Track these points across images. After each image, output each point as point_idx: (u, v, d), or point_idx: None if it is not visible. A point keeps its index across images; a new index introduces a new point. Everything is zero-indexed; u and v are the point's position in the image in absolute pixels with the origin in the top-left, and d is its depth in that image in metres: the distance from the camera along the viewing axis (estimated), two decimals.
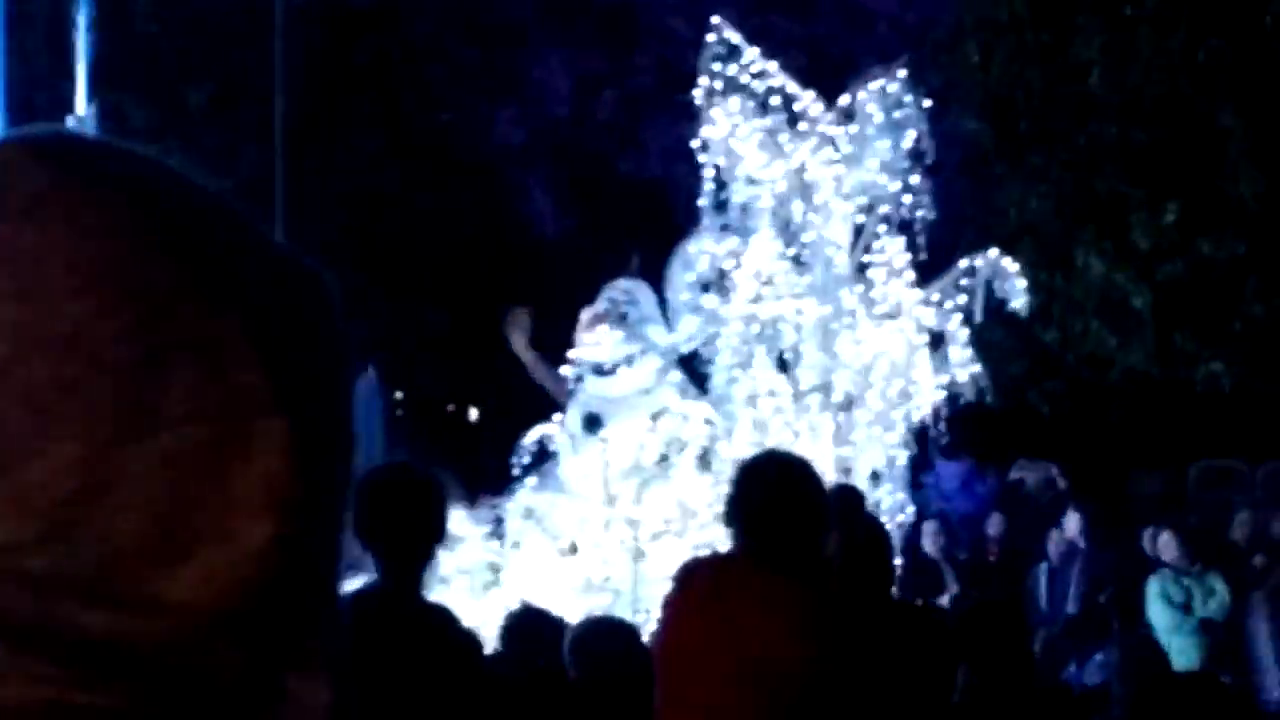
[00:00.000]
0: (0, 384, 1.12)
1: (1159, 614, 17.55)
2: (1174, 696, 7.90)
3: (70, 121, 20.23)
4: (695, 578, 7.75)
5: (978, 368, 17.68)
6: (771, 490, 6.94)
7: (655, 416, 17.07)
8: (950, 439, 21.48)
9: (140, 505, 1.12)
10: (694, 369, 17.88)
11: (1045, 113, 28.14)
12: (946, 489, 23.19)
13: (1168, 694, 8.11)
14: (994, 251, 18.12)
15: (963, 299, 17.72)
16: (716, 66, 17.06)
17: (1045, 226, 27.51)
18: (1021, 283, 17.85)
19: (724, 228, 17.49)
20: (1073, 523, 19.79)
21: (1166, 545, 18.07)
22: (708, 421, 17.14)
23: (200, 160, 30.44)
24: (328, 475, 1.20)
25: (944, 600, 17.84)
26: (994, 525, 21.27)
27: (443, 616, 7.24)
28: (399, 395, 29.84)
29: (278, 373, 1.15)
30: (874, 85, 17.44)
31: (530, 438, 17.39)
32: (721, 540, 13.58)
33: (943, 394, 17.61)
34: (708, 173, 17.50)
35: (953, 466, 23.33)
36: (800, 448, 15.33)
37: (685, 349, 17.70)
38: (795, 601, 6.69)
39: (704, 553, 14.31)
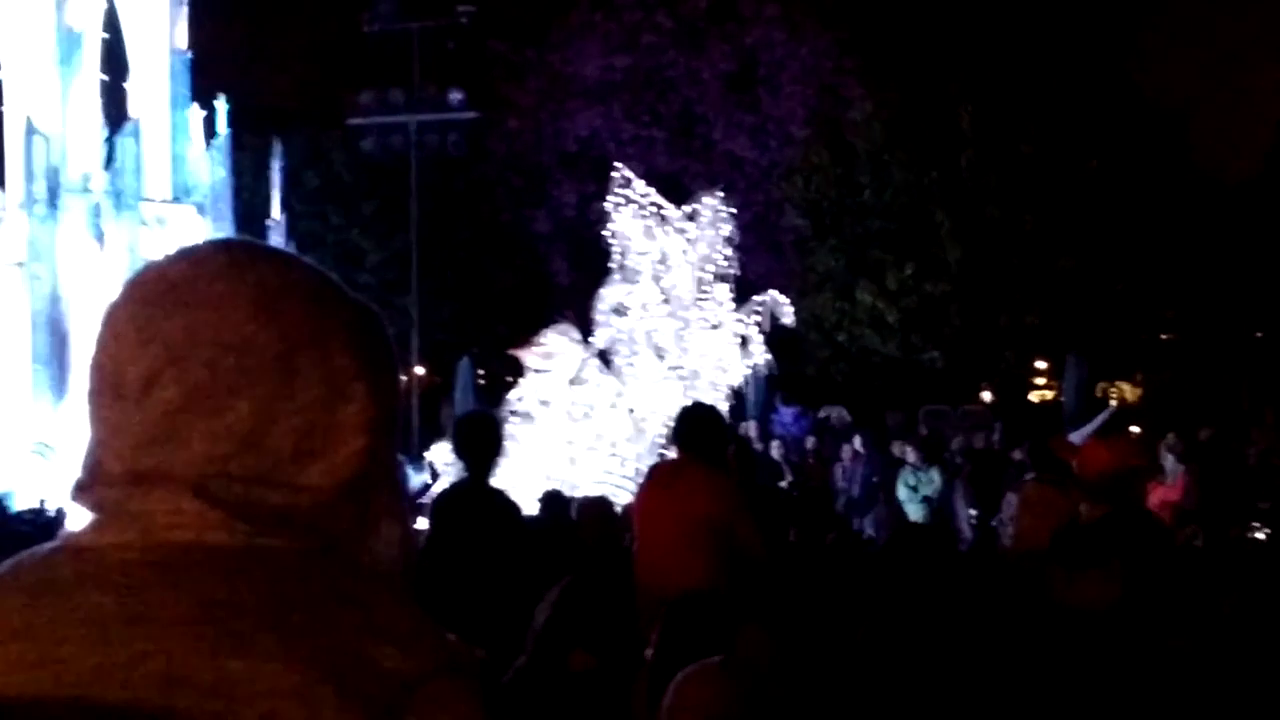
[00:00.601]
0: (210, 372, 1.49)
1: (903, 492, 20.92)
2: (910, 538, 11.56)
3: (269, 224, 23.18)
4: (657, 470, 9.18)
5: (769, 356, 21.64)
6: (695, 422, 8.17)
7: (573, 384, 20.18)
8: (784, 394, 27.95)
9: (291, 431, 1.52)
10: (607, 360, 20.85)
11: (839, 213, 34.99)
12: (785, 421, 27.79)
13: (907, 537, 11.81)
14: (773, 291, 21.98)
15: (757, 318, 21.52)
16: (619, 190, 20.95)
17: (840, 277, 34.57)
18: (789, 308, 21.75)
19: (623, 280, 21.09)
20: (857, 441, 22.93)
21: (907, 453, 21.70)
22: (618, 394, 20.34)
23: (368, 244, 36.63)
24: (388, 413, 1.59)
25: (783, 484, 20.04)
26: (811, 443, 24.78)
27: (503, 496, 8.13)
28: (480, 373, 32.00)
29: (358, 355, 1.56)
30: (707, 199, 21.57)
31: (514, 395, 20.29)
32: (617, 455, 19.68)
33: (748, 370, 21.58)
34: (616, 248, 21.22)
35: (790, 410, 28.53)
36: (664, 403, 19.68)
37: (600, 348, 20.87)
38: (710, 480, 7.81)
39: (615, 460, 19.68)
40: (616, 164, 21.90)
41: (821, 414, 28.33)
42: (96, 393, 1.56)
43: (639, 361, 20.82)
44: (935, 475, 21.22)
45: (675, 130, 37.55)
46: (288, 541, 1.52)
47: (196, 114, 20.96)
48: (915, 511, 20.43)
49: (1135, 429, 22.44)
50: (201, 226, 20.40)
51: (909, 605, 5.19)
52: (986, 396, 34.64)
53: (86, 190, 19.20)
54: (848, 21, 36.10)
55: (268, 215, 22.21)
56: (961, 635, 5.01)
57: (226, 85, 21.75)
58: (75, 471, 1.58)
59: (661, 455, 19.09)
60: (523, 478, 16.71)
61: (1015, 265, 32.49)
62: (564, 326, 20.80)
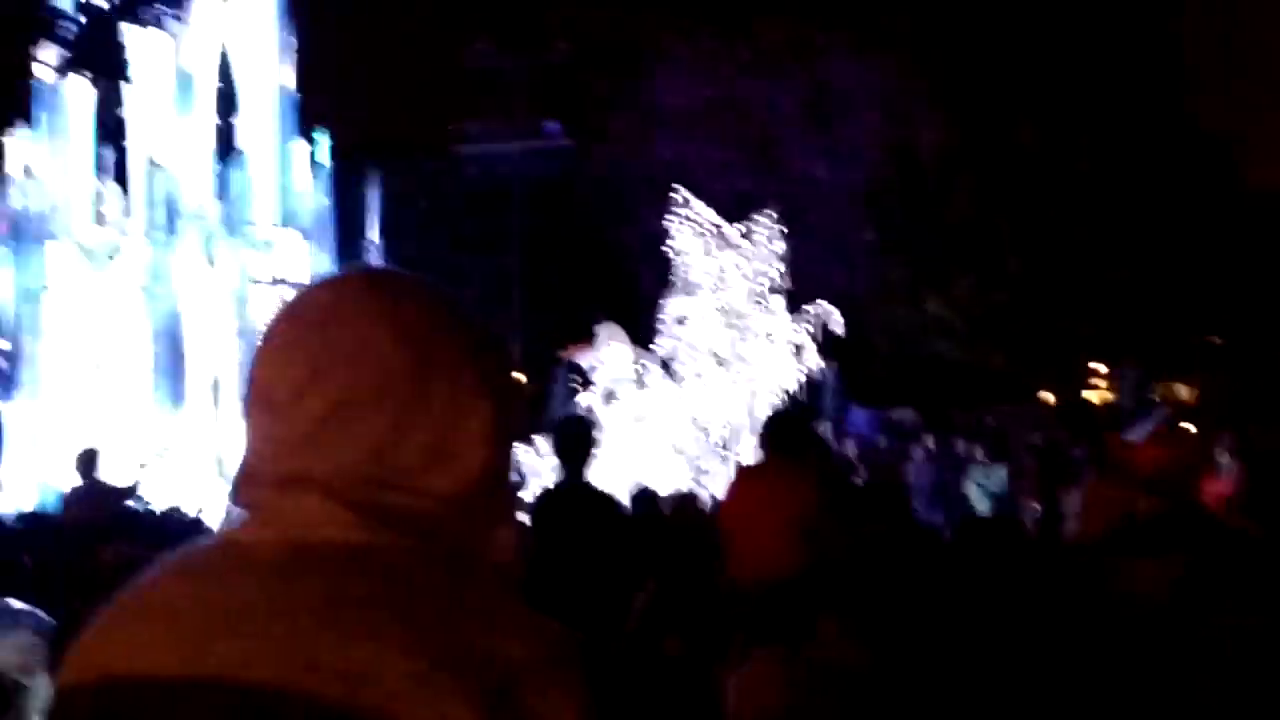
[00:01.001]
0: (351, 386, 1.54)
1: (971, 489, 20.96)
2: (979, 530, 9.25)
3: (368, 246, 22.93)
4: (747, 470, 9.23)
5: (822, 363, 21.62)
6: (784, 425, 8.33)
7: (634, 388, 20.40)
8: (857, 397, 27.97)
9: (422, 441, 1.55)
10: (668, 368, 20.95)
11: (908, 228, 35.12)
12: (858, 423, 27.07)
13: (976, 529, 9.48)
14: (823, 301, 21.65)
15: (809, 327, 21.37)
16: (679, 209, 21.33)
17: (910, 288, 34.77)
18: (839, 317, 21.37)
19: (684, 293, 21.37)
20: (928, 440, 22.93)
21: (975, 451, 21.79)
22: (678, 400, 20.42)
23: (473, 263, 36.03)
24: (508, 427, 1.62)
25: (857, 480, 19.51)
26: (882, 442, 25.03)
27: (603, 493, 8.21)
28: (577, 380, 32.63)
29: (482, 375, 1.59)
30: (761, 217, 21.60)
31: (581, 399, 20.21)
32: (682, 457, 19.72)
33: (802, 376, 21.33)
34: (677, 263, 21.50)
35: (862, 412, 28.01)
36: (724, 408, 20.29)
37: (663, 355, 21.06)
38: (797, 480, 7.80)
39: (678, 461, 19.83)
40: (675, 185, 22.16)
41: (893, 416, 28.45)
42: (251, 403, 1.61)
43: (699, 369, 20.87)
44: (1001, 472, 21.20)
45: (754, 154, 37.47)
46: (414, 542, 1.55)
47: (301, 146, 21.15)
48: (983, 506, 20.45)
49: (1190, 427, 22.17)
50: (305, 250, 20.66)
51: (978, 594, 5.14)
52: (1048, 397, 34.23)
53: (200, 218, 19.52)
54: (915, 49, 35.83)
55: (366, 238, 22.44)
56: (1027, 622, 4.95)
57: (332, 119, 22.07)
58: (231, 473, 1.65)
59: (722, 458, 19.49)
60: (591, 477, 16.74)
61: (1073, 274, 32.24)
62: (610, 327, 20.99)
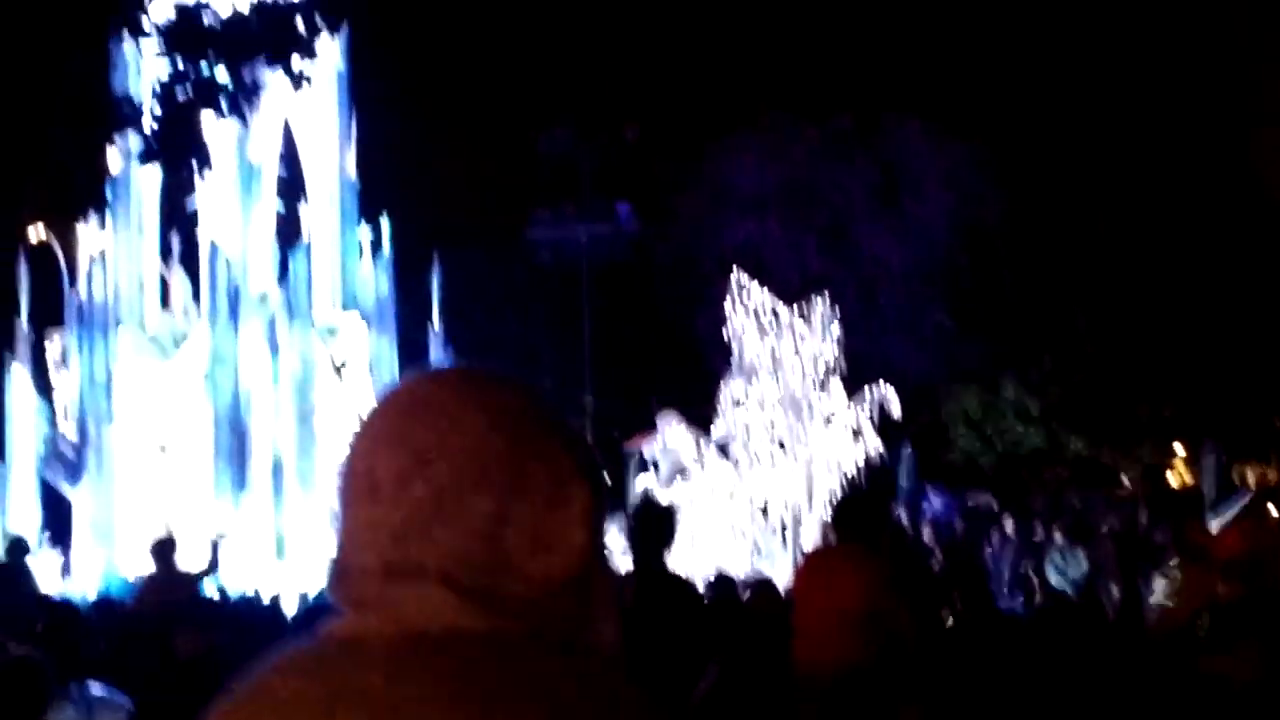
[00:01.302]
0: (454, 474, 1.57)
1: (1051, 573, 20.75)
2: (1060, 614, 10.57)
3: (430, 334, 23.11)
4: (817, 554, 9.45)
5: (880, 446, 22.29)
6: (855, 508, 8.19)
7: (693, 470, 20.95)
8: (932, 480, 27.84)
9: (524, 527, 1.58)
10: (725, 451, 21.52)
11: (982, 310, 35.28)
12: (934, 507, 27.12)
13: (1058, 613, 10.83)
14: (882, 383, 22.52)
15: (865, 410, 22.16)
16: (736, 293, 21.86)
17: (984, 370, 34.77)
18: (896, 400, 22.35)
19: (741, 375, 21.93)
20: (1008, 524, 22.93)
21: (1055, 535, 21.69)
22: (737, 482, 20.96)
23: (544, 345, 36.91)
24: (601, 512, 1.65)
25: (933, 564, 19.93)
26: (959, 526, 25.05)
27: (681, 579, 8.40)
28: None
29: (577, 462, 1.64)
30: (817, 300, 22.01)
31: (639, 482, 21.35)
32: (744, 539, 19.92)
33: (860, 458, 21.82)
34: (735, 348, 22.06)
35: (938, 496, 27.93)
36: (784, 490, 20.54)
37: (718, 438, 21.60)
38: (868, 566, 7.65)
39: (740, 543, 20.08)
40: (733, 265, 22.57)
41: (970, 503, 28.15)
42: (350, 492, 1.62)
43: (759, 452, 21.10)
44: (1082, 557, 20.99)
45: (825, 236, 37.58)
46: (524, 626, 1.57)
47: (365, 232, 21.42)
48: (1063, 590, 20.15)
49: (1273, 511, 21.88)
50: (367, 335, 20.88)
51: (1060, 680, 5.11)
52: (1127, 481, 33.98)
53: (263, 304, 19.70)
54: (986, 131, 35.92)
55: (429, 322, 22.55)
56: (1111, 707, 4.89)
57: (396, 206, 22.11)
58: (327, 567, 1.65)
59: (783, 540, 19.77)
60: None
61: (1152, 356, 32.08)
62: (669, 413, 21.46)
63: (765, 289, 21.84)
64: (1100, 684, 5.19)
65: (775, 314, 21.56)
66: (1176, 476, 37.71)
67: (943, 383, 35.35)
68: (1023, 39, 36.83)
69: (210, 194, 19.63)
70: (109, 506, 19.37)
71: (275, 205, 20.45)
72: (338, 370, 20.32)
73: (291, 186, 20.65)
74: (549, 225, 34.40)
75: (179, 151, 11.22)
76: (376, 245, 21.44)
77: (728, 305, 21.63)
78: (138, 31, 10.51)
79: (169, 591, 12.64)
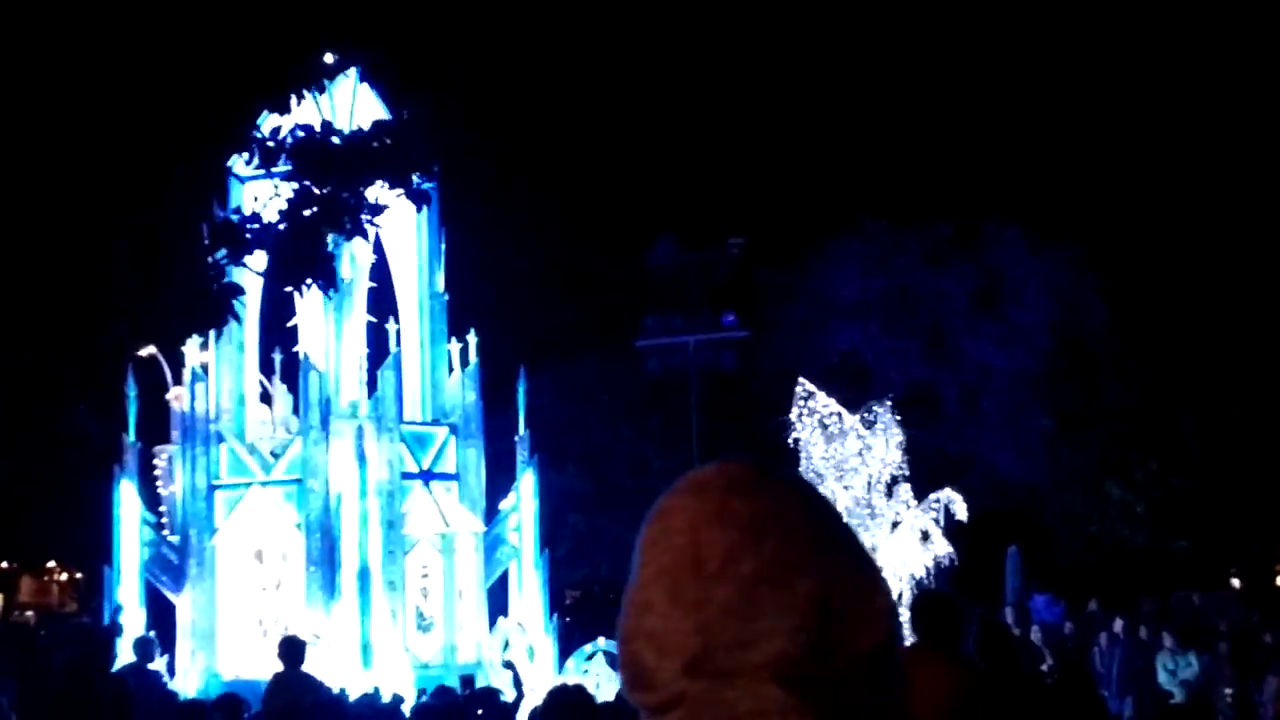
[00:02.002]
0: (778, 550, 1.50)
1: (1162, 675, 20.61)
2: (1174, 716, 11.88)
3: (516, 440, 22.48)
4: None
5: (950, 549, 21.82)
6: (932, 610, 7.93)
7: None
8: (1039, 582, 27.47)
9: (839, 607, 1.51)
10: None
11: (1085, 414, 35.11)
12: (1039, 608, 26.43)
13: (1170, 715, 11.88)
14: (947, 489, 22.07)
15: (932, 513, 21.79)
16: (801, 401, 21.95)
17: (1089, 473, 34.41)
18: (962, 504, 21.76)
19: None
20: (1116, 625, 22.27)
21: (1164, 637, 21.45)
22: None
23: (654, 452, 36.71)
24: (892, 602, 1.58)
25: (1044, 667, 19.46)
26: (1068, 628, 24.27)
27: None
28: None
29: (872, 567, 1.58)
30: (878, 408, 22.06)
31: None
32: None
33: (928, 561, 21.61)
34: (801, 453, 22.05)
35: (1043, 598, 27.40)
36: None
37: None
38: (948, 669, 7.39)
39: None
40: (801, 379, 22.46)
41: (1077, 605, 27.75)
42: (672, 571, 1.52)
43: None
44: (1193, 658, 20.73)
45: (928, 342, 37.48)
46: (835, 713, 1.50)
47: (454, 346, 21.60)
48: (1175, 693, 19.83)
49: None
50: (454, 445, 21.12)
51: None
52: (1235, 582, 33.33)
53: (353, 416, 19.94)
54: (1085, 236, 35.83)
55: (516, 433, 22.52)
56: None
57: (492, 320, 22.56)
58: (622, 667, 1.56)
59: None
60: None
61: (1258, 458, 31.71)
62: None
63: (831, 396, 21.90)
64: None
65: (840, 418, 21.63)
66: None
67: (1047, 485, 34.97)
68: (1119, 148, 36.88)
69: (307, 310, 19.93)
70: (210, 611, 19.84)
71: (365, 321, 20.64)
72: (424, 479, 20.48)
73: (383, 302, 20.84)
74: (657, 334, 34.58)
75: (303, 270, 11.18)
76: (465, 359, 21.55)
77: (794, 413, 21.66)
78: (266, 157, 10.54)
79: (298, 691, 12.79)
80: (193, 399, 20.58)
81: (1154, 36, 37.19)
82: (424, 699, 14.91)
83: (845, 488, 21.49)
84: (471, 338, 21.52)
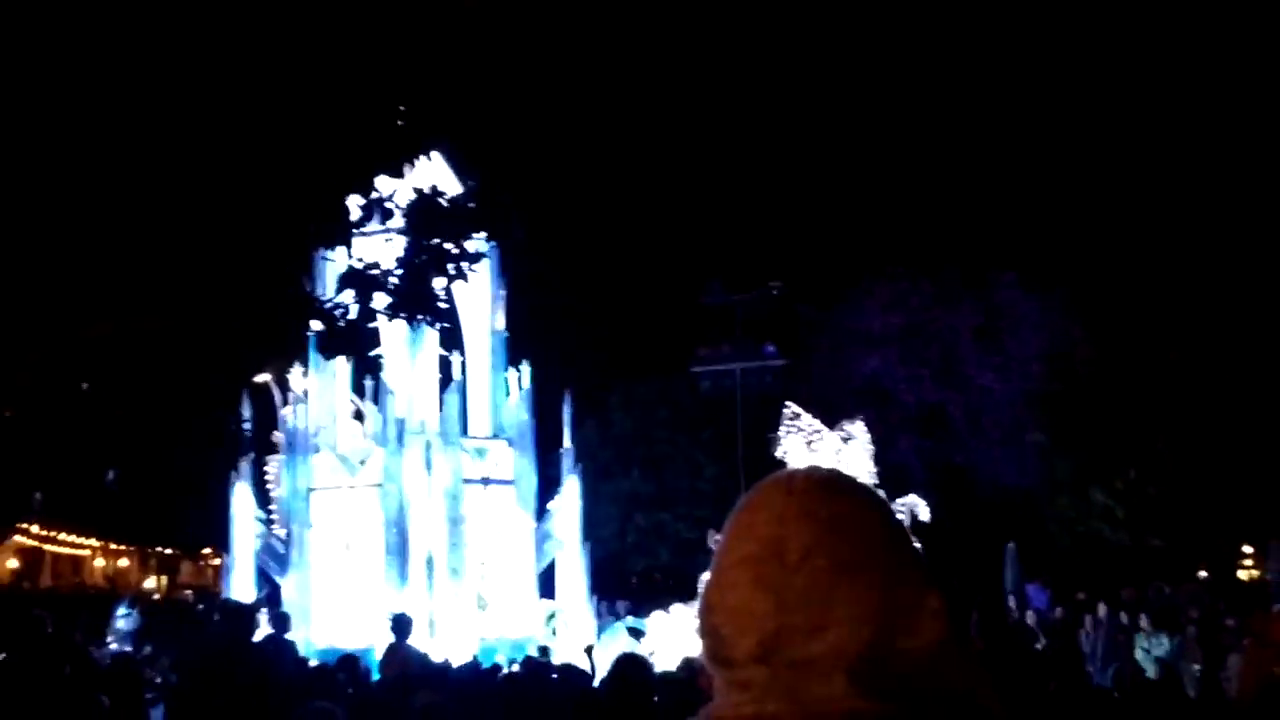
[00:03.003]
0: (852, 548, 1.45)
1: (1138, 653, 20.27)
2: (1147, 688, 10.23)
3: (562, 452, 22.47)
4: None
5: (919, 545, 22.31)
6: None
7: None
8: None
9: (903, 605, 1.45)
10: None
11: (1073, 430, 34.60)
12: (1033, 596, 26.52)
13: (1144, 687, 10.36)
14: (911, 495, 21.79)
15: (901, 515, 21.75)
16: (788, 420, 21.21)
17: (1077, 482, 34.17)
18: (925, 507, 21.19)
19: None
20: (1100, 611, 22.09)
21: (1141, 620, 21.11)
22: None
23: (705, 460, 36.30)
24: (948, 607, 1.48)
25: (1037, 646, 19.11)
26: (1058, 613, 24.14)
27: None
28: None
29: (927, 566, 1.51)
30: (850, 426, 21.35)
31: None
32: None
33: None
34: (785, 465, 21.11)
35: (1033, 588, 27.40)
36: None
37: None
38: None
39: None
40: (787, 402, 21.96)
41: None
42: (747, 561, 1.48)
43: None
44: (1165, 639, 20.42)
45: (937, 369, 37.34)
46: (906, 708, 1.43)
47: (513, 375, 21.87)
48: (1149, 668, 19.13)
49: None
50: (511, 455, 21.38)
51: None
52: (1203, 574, 32.90)
53: (422, 432, 20.27)
54: (1073, 279, 35.69)
55: (561, 446, 22.69)
56: None
57: (537, 352, 22.57)
58: (703, 640, 1.50)
59: None
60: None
61: (1222, 467, 31.36)
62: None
63: (812, 415, 21.46)
64: None
65: (821, 435, 21.17)
66: (1246, 572, 36.48)
67: (1041, 492, 34.76)
68: (1103, 207, 36.94)
69: (389, 344, 20.21)
70: (307, 592, 20.20)
71: (436, 352, 20.91)
72: (484, 484, 20.82)
73: (452, 337, 20.85)
74: (709, 362, 34.68)
75: (417, 307, 11.33)
76: (521, 385, 21.87)
77: (781, 431, 21.17)
78: (385, 215, 10.72)
79: (406, 661, 12.82)
80: (295, 417, 21.01)
81: (1128, 102, 37.43)
82: (513, 668, 14.87)
83: None
84: (525, 368, 21.78)
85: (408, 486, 19.99)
